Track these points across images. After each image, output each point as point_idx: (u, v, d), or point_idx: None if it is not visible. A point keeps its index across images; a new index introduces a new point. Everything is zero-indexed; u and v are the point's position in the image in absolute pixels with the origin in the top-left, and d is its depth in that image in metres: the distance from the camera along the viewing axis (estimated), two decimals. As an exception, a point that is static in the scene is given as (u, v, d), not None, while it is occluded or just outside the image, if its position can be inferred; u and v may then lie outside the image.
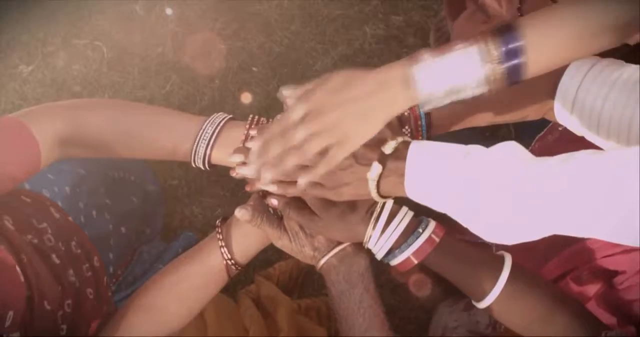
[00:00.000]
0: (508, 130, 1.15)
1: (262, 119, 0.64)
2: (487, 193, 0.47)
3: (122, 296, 0.97)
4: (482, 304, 0.57)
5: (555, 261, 0.79)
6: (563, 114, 0.59)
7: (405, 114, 0.62)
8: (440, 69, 0.47)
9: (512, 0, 0.83)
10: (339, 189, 0.54)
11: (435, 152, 0.50)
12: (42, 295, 0.59)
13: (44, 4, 1.60)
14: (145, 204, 1.13)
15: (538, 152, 0.48)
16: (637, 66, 0.54)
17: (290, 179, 0.52)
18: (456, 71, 0.47)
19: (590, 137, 0.58)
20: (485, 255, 0.58)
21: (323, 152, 0.49)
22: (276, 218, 0.63)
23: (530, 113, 0.62)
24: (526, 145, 0.51)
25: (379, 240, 0.58)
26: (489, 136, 1.13)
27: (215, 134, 0.62)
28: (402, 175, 0.51)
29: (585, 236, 0.45)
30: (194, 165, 0.64)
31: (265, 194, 0.61)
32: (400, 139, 0.53)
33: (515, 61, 0.46)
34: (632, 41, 0.53)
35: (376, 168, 0.51)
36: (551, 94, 0.59)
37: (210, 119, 0.63)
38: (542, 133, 0.92)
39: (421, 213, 0.60)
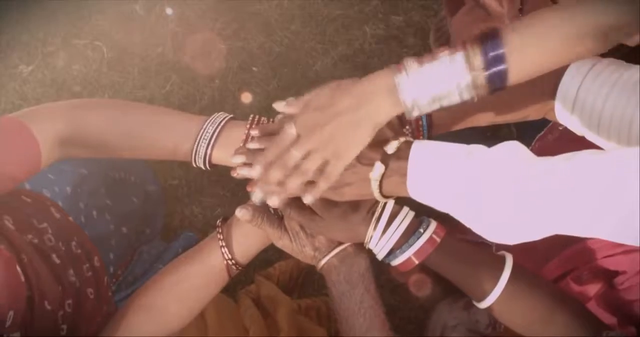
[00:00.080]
0: (509, 130, 1.15)
1: (262, 118, 0.64)
2: (489, 192, 0.47)
3: (122, 296, 0.97)
4: (483, 304, 0.57)
5: (556, 261, 0.79)
6: (564, 114, 0.60)
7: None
8: (424, 77, 0.47)
9: (514, 0, 0.83)
10: (341, 189, 0.54)
11: (437, 152, 0.50)
12: (43, 295, 0.59)
13: (44, 4, 1.60)
14: (146, 204, 1.13)
15: (538, 152, 0.48)
16: (638, 66, 0.54)
17: (296, 195, 0.53)
18: (440, 79, 0.47)
19: (591, 137, 0.58)
20: (486, 255, 0.58)
21: (322, 168, 0.50)
22: (277, 218, 0.63)
23: (531, 113, 0.63)
24: (527, 144, 0.51)
25: (380, 240, 0.58)
26: (490, 136, 1.13)
27: (216, 133, 0.62)
28: (405, 175, 0.51)
29: (587, 236, 0.45)
30: (194, 165, 0.64)
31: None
32: (402, 139, 0.53)
33: (497, 68, 0.46)
34: (631, 43, 0.53)
35: (379, 168, 0.51)
36: (552, 94, 0.59)
37: (210, 118, 0.63)
38: (542, 133, 0.92)
39: (422, 213, 0.60)
